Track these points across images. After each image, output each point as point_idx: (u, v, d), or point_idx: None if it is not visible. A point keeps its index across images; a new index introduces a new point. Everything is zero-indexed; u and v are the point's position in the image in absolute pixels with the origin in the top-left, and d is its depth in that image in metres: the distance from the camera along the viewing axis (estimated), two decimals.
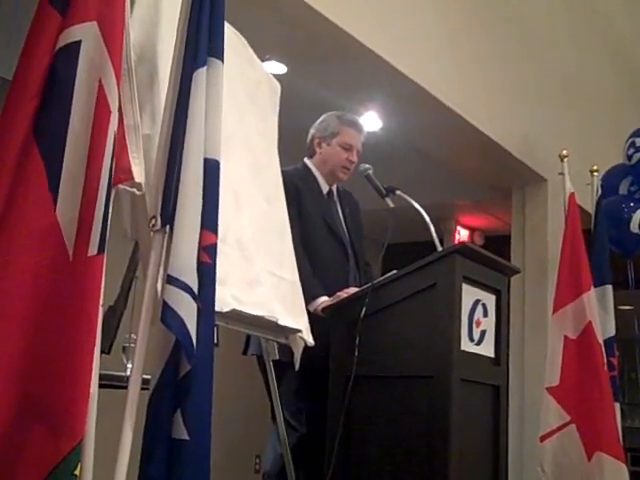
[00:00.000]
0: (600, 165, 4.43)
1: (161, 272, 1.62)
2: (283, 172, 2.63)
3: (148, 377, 1.58)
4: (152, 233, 1.64)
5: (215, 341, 1.75)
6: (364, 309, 2.55)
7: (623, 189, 4.58)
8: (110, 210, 1.45)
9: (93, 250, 1.39)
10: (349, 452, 2.54)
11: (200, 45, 1.68)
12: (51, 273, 1.36)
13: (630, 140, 4.69)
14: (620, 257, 4.60)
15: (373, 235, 3.39)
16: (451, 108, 4.03)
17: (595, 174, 4.32)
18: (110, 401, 1.73)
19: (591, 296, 3.72)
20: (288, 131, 2.71)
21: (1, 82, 2.93)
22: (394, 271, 2.64)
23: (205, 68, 1.68)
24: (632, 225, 4.53)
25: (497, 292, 2.80)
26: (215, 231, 1.66)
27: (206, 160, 1.66)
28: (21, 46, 1.44)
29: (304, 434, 2.74)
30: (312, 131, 3.10)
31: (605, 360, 3.65)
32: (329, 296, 2.76)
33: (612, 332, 4.02)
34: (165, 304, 1.55)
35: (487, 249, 2.80)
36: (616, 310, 4.12)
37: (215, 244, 1.65)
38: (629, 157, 4.64)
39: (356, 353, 2.52)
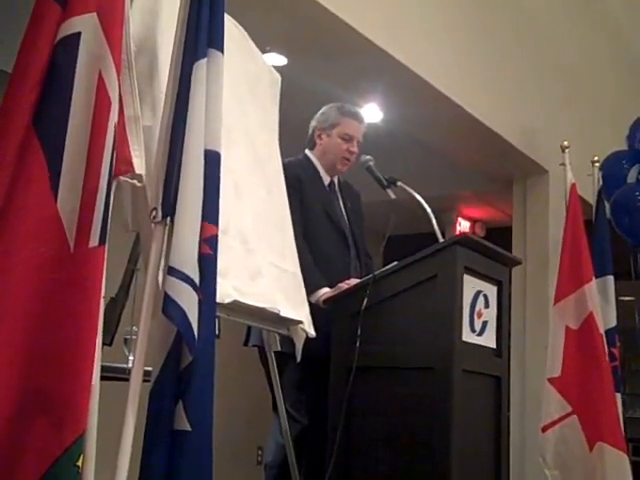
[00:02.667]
0: (601, 156, 4.43)
1: (162, 264, 1.62)
2: (285, 163, 2.63)
3: (150, 369, 1.58)
4: (153, 225, 1.64)
5: (216, 332, 1.75)
6: (365, 300, 2.56)
7: (632, 177, 4.53)
8: (111, 202, 1.45)
9: (94, 242, 1.39)
10: (350, 443, 2.54)
11: (200, 37, 1.68)
12: (52, 265, 1.36)
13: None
14: (631, 247, 4.57)
15: (374, 226, 3.39)
16: (452, 99, 4.02)
17: (596, 165, 4.31)
18: (112, 393, 1.73)
19: (592, 287, 3.72)
20: (288, 123, 2.70)
21: (1, 75, 2.92)
22: (395, 262, 2.65)
23: (205, 60, 1.68)
24: None
25: (498, 283, 2.80)
26: (216, 223, 1.66)
27: (207, 152, 1.66)
28: (21, 38, 1.43)
29: (305, 425, 2.75)
30: (313, 123, 3.10)
31: (606, 351, 3.66)
32: (330, 287, 2.76)
33: (613, 323, 4.02)
34: (166, 296, 1.55)
35: (488, 240, 2.80)
36: (618, 301, 4.12)
37: (216, 235, 1.65)
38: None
39: (357, 344, 2.52)
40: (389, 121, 4.56)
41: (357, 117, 3.09)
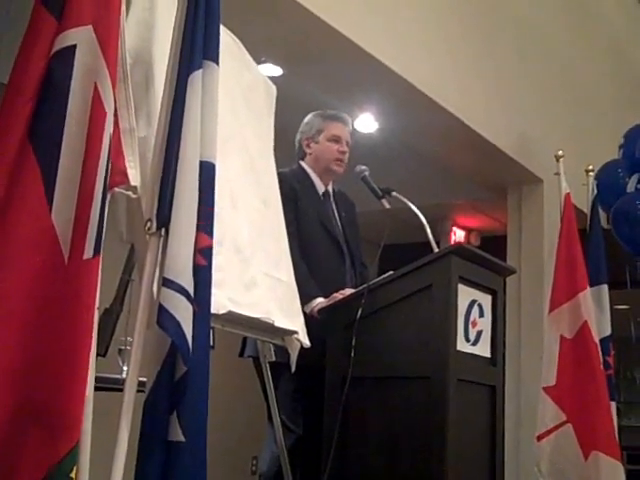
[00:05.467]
0: (596, 165, 4.45)
1: (157, 275, 1.63)
2: (279, 174, 2.64)
3: (144, 380, 1.58)
4: (148, 236, 1.65)
5: (211, 343, 1.76)
6: (360, 310, 2.56)
7: (631, 187, 4.53)
8: (106, 213, 1.46)
9: (89, 253, 1.40)
10: (346, 453, 2.54)
11: (196, 48, 1.69)
12: (47, 276, 1.36)
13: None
14: (631, 257, 4.57)
15: (369, 236, 3.40)
16: (447, 109, 4.03)
17: (591, 174, 4.33)
18: (106, 404, 1.73)
19: (587, 295, 3.72)
20: (284, 133, 2.71)
21: None
22: (390, 272, 2.65)
23: (201, 71, 1.69)
24: None
25: (493, 292, 2.80)
26: (211, 234, 1.66)
27: (202, 163, 1.66)
28: (17, 50, 1.44)
29: (300, 435, 2.75)
30: (298, 136, 3.13)
31: (601, 359, 3.66)
32: (325, 297, 2.76)
33: (608, 331, 4.03)
34: (161, 307, 1.55)
35: (483, 249, 2.81)
36: (612, 309, 4.13)
37: (211, 246, 1.65)
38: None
39: (352, 354, 2.53)
40: (384, 130, 4.58)
41: (340, 119, 3.12)
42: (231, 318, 2.04)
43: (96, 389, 1.49)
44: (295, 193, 2.91)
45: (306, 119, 3.14)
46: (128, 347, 1.78)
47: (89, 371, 1.40)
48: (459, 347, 2.54)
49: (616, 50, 6.29)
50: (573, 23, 5.63)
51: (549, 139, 4.87)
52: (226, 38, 2.23)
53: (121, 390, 1.60)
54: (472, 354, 2.65)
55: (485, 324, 2.74)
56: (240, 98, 2.41)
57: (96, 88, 1.45)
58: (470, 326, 2.64)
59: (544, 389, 3.58)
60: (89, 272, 1.40)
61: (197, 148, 1.66)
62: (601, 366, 3.63)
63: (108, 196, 1.49)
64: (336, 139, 3.06)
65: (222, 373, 3.62)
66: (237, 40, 2.42)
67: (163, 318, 1.54)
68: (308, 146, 3.08)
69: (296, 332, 2.37)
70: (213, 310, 1.72)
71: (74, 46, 1.44)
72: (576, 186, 4.19)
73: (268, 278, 2.28)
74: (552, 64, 5.23)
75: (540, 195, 5.10)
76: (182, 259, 1.59)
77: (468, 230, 7.45)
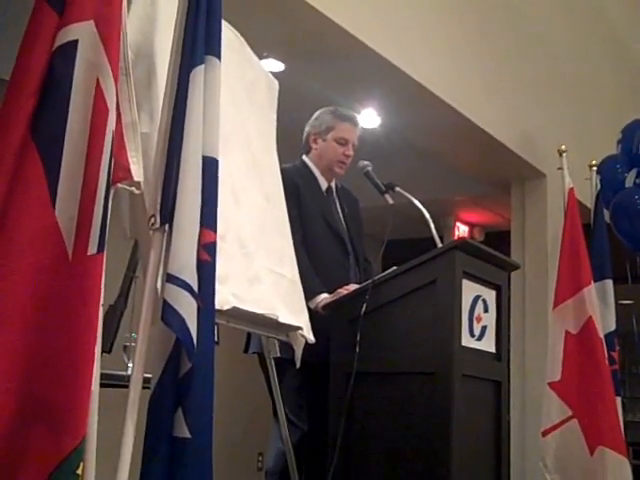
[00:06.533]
0: (599, 160, 4.44)
1: (161, 271, 1.62)
2: (282, 169, 2.63)
3: (149, 376, 1.58)
4: (151, 232, 1.64)
5: (216, 339, 1.75)
6: (365, 306, 2.55)
7: (629, 182, 4.52)
8: (109, 209, 1.45)
9: (93, 249, 1.39)
10: (351, 449, 2.54)
11: (197, 43, 1.68)
12: (51, 273, 1.36)
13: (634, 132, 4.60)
14: (631, 251, 4.56)
15: (373, 232, 3.39)
16: (450, 104, 4.02)
17: (594, 169, 4.32)
18: (111, 400, 1.73)
19: (591, 291, 3.72)
20: (286, 129, 2.71)
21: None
22: (394, 267, 2.64)
23: (203, 66, 1.68)
24: None
25: (497, 287, 2.80)
26: (214, 229, 1.66)
27: (204, 158, 1.66)
28: (19, 46, 1.43)
29: (306, 431, 2.75)
30: (307, 128, 3.11)
31: (606, 354, 3.66)
32: (329, 293, 2.76)
33: (613, 326, 4.03)
34: (165, 303, 1.55)
35: (487, 245, 2.80)
36: (617, 304, 4.12)
37: (214, 242, 1.65)
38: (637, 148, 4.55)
39: (357, 350, 2.52)
40: (387, 126, 4.57)
41: (352, 120, 3.09)
42: (235, 314, 2.03)
43: (101, 386, 1.49)
44: (298, 189, 2.90)
45: (317, 114, 3.11)
46: (133, 343, 1.78)
47: (94, 368, 1.40)
48: (464, 342, 2.54)
49: (616, 46, 6.28)
50: (575, 20, 5.62)
51: (552, 134, 4.86)
52: (228, 33, 2.23)
53: (126, 386, 1.60)
54: (477, 349, 2.64)
55: (490, 319, 2.74)
56: (242, 93, 2.41)
57: (98, 83, 1.44)
58: (475, 321, 2.63)
59: (549, 384, 3.58)
60: (93, 268, 1.40)
61: (200, 144, 1.65)
62: (606, 361, 3.63)
63: (111, 192, 1.48)
64: (343, 142, 3.04)
65: (227, 369, 3.62)
66: (239, 35, 2.42)
67: (167, 314, 1.54)
68: (315, 142, 3.07)
69: (301, 328, 2.37)
70: (217, 306, 1.72)
71: (76, 41, 1.43)
72: (579, 181, 4.18)
73: (272, 274, 2.27)
74: (555, 60, 5.21)
75: (543, 190, 5.09)
76: (186, 255, 1.58)
77: (471, 225, 7.45)
